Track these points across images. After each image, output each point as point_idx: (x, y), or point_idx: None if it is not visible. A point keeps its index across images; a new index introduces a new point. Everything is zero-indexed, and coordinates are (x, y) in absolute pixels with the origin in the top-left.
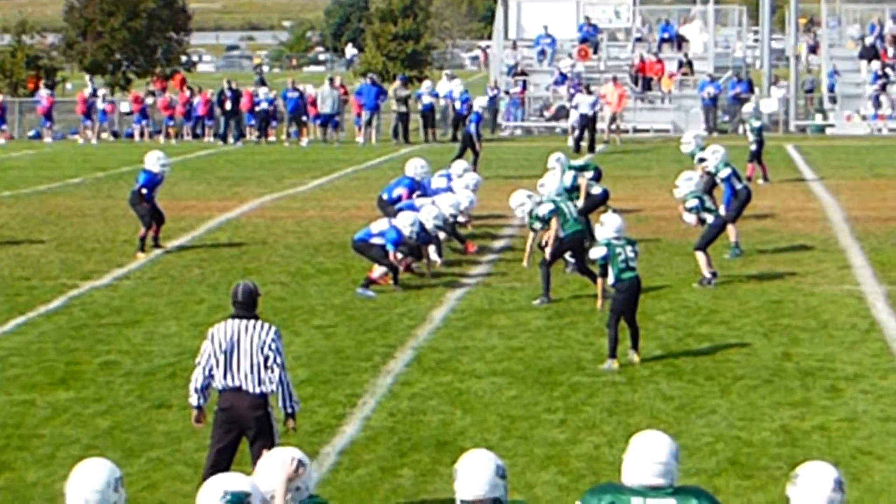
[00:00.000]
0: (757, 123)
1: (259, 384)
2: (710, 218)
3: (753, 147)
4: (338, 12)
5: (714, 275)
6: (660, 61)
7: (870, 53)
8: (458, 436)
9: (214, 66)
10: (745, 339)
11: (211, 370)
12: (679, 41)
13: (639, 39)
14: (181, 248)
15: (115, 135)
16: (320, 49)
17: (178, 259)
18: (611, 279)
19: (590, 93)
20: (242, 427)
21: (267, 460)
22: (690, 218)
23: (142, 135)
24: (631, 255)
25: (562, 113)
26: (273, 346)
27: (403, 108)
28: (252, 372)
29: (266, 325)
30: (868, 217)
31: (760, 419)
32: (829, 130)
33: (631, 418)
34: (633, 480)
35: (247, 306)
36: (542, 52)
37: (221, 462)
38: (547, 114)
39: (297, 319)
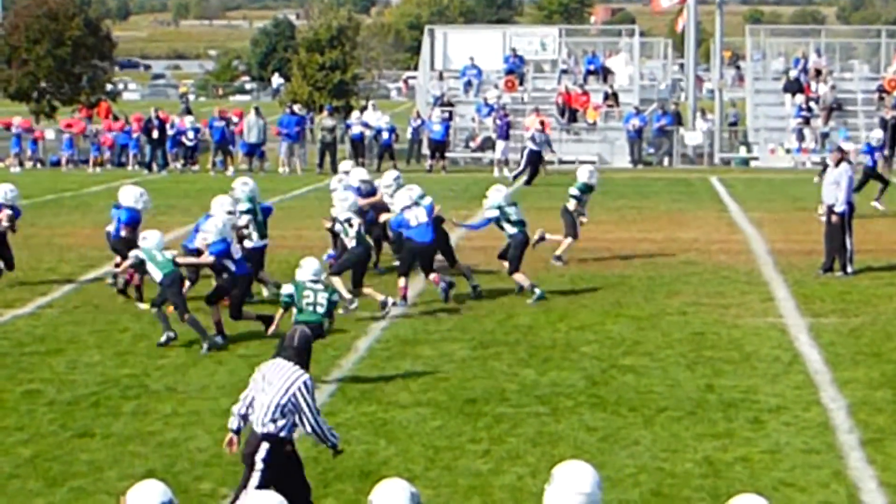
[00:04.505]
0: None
1: (264, 425)
2: (511, 230)
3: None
4: (264, 42)
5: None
6: (585, 93)
7: (794, 87)
8: (382, 466)
9: (140, 95)
10: (668, 371)
11: (252, 402)
12: (605, 73)
13: (564, 71)
14: (105, 277)
15: (40, 162)
16: (246, 78)
17: (102, 288)
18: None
19: (542, 130)
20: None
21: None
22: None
23: (68, 163)
24: (321, 300)
25: (487, 144)
26: (298, 394)
27: (329, 138)
28: (265, 413)
29: (300, 374)
30: (791, 250)
31: (683, 451)
32: (753, 163)
33: (555, 449)
34: None
35: (296, 352)
36: (469, 83)
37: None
38: (473, 144)
39: (221, 349)
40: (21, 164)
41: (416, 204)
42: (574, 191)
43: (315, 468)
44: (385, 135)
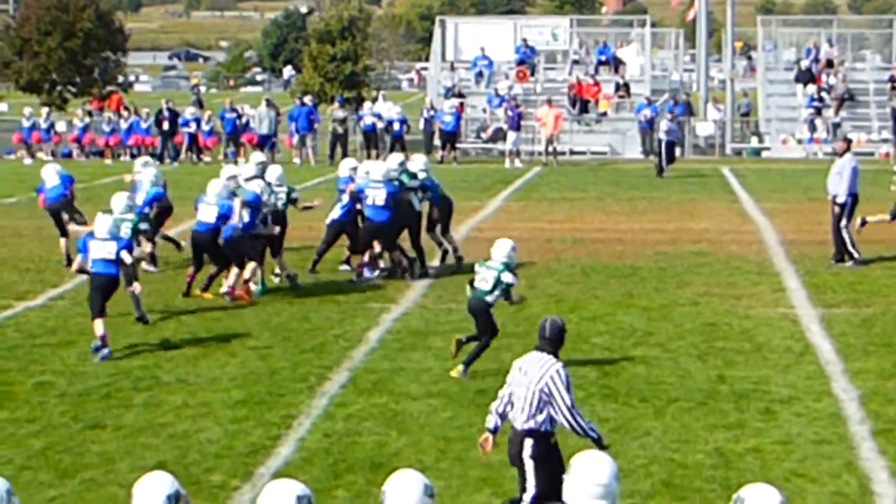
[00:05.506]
0: None
1: (524, 420)
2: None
3: None
4: (275, 33)
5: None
6: (597, 83)
7: (805, 77)
8: (393, 457)
9: (151, 87)
10: (679, 362)
11: (511, 398)
12: (616, 63)
13: (576, 62)
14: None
15: (52, 154)
16: (257, 70)
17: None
18: None
19: (673, 120)
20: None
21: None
22: None
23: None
24: (489, 277)
25: (499, 135)
26: (550, 384)
27: (341, 130)
28: (524, 408)
29: (553, 363)
30: (803, 240)
31: (695, 441)
32: (764, 154)
33: (566, 441)
34: (574, 501)
35: (551, 342)
36: (480, 74)
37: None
38: (484, 135)
39: (232, 340)
40: (33, 155)
41: (384, 183)
42: None
43: (326, 459)
44: (396, 126)
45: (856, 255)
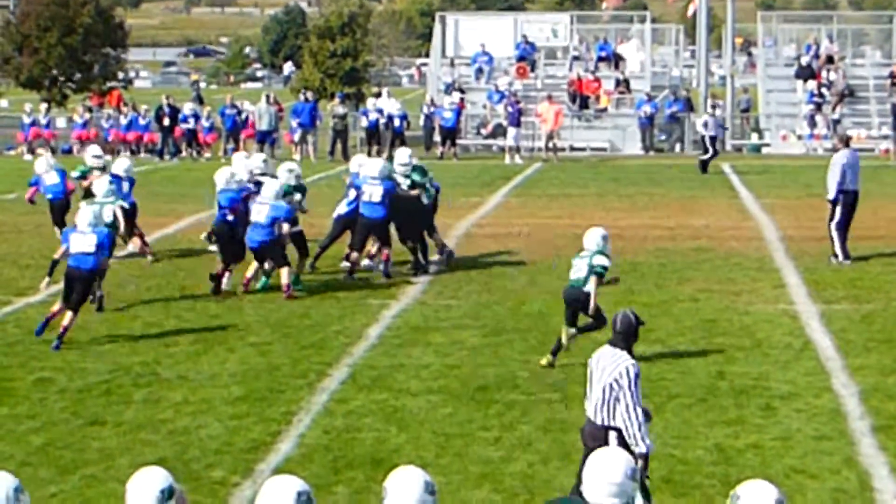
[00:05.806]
0: None
1: (600, 415)
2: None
3: None
4: (275, 29)
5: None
6: (597, 80)
7: (806, 73)
8: (393, 453)
9: (151, 83)
10: (679, 358)
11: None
12: (616, 60)
13: (576, 58)
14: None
15: (51, 150)
16: (258, 66)
17: (113, 275)
18: None
19: (713, 115)
20: None
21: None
22: None
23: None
24: (582, 266)
25: (499, 131)
26: (620, 378)
27: (341, 126)
28: (599, 403)
29: (625, 359)
30: (803, 236)
31: (695, 437)
32: (764, 150)
33: (565, 436)
34: (590, 498)
35: (622, 336)
36: (480, 70)
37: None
38: (484, 132)
39: (232, 336)
40: (32, 151)
41: (381, 180)
42: None
43: (326, 456)
44: (397, 122)
45: (839, 256)
